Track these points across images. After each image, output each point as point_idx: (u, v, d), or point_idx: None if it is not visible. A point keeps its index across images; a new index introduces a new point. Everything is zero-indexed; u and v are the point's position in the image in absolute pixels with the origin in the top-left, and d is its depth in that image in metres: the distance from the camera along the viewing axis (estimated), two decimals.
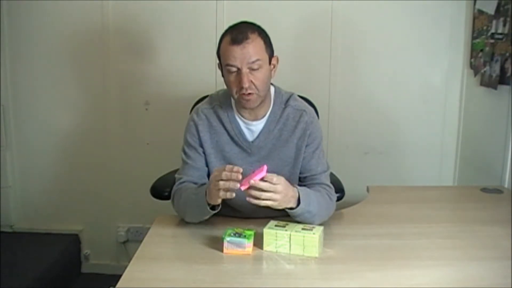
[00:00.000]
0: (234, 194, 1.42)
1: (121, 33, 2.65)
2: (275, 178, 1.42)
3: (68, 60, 2.70)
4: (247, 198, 1.43)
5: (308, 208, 1.51)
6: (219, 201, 1.49)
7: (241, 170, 1.41)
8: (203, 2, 2.60)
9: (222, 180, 1.42)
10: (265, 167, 1.41)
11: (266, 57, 1.58)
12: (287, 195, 1.46)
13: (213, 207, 1.53)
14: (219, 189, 1.43)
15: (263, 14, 2.46)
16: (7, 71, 2.72)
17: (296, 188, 1.51)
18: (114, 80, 2.70)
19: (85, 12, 2.63)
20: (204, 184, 1.63)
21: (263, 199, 1.42)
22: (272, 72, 1.64)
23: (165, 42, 2.66)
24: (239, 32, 1.55)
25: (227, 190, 1.42)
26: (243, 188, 1.40)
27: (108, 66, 2.68)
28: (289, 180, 1.59)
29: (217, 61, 1.65)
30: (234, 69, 1.55)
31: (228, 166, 1.43)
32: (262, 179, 1.41)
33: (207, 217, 1.59)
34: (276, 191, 1.42)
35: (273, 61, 1.63)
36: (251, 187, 1.40)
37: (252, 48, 1.53)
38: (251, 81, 1.55)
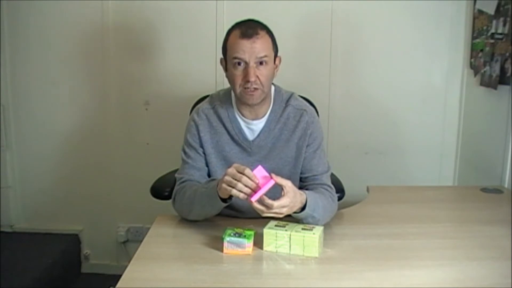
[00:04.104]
0: (245, 196, 1.41)
1: (121, 33, 2.65)
2: (275, 203, 1.39)
3: (68, 60, 2.70)
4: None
5: (313, 213, 1.51)
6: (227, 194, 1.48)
7: (255, 183, 1.40)
8: (203, 2, 2.60)
9: (236, 180, 1.40)
10: (272, 181, 1.40)
11: (272, 54, 1.60)
12: (295, 206, 1.45)
13: (223, 200, 1.52)
14: (231, 187, 1.41)
15: (263, 14, 2.43)
16: (7, 71, 2.72)
17: (305, 193, 1.50)
18: (114, 80, 2.70)
19: (85, 12, 2.63)
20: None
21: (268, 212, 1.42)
22: (275, 71, 1.65)
23: (165, 42, 2.66)
24: (249, 27, 1.56)
25: (236, 188, 1.41)
26: (253, 199, 1.39)
27: (108, 66, 2.69)
28: (290, 180, 1.59)
29: (221, 56, 1.66)
30: (241, 62, 1.56)
31: (247, 170, 1.41)
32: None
33: (215, 211, 1.59)
34: (282, 212, 1.43)
35: (277, 61, 1.64)
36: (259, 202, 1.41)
37: (261, 44, 1.55)
38: (257, 76, 1.55)
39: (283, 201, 1.41)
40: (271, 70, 1.60)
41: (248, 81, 1.55)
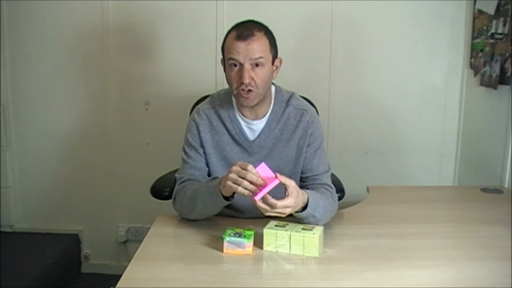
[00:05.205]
0: (251, 194, 1.41)
1: (121, 33, 2.65)
2: (278, 203, 1.40)
3: (68, 60, 2.70)
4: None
5: (314, 213, 1.51)
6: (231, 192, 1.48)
7: (259, 182, 1.40)
8: (203, 2, 2.60)
9: (241, 178, 1.40)
10: (277, 180, 1.40)
11: (269, 56, 1.59)
12: (297, 206, 1.46)
13: (226, 198, 1.52)
14: (236, 184, 1.41)
15: (263, 14, 2.44)
16: (7, 71, 2.72)
17: (306, 193, 1.50)
18: (114, 80, 2.71)
19: (85, 12, 2.63)
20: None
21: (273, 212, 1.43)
22: (274, 73, 1.65)
23: (165, 42, 2.66)
24: (246, 28, 1.56)
25: (242, 186, 1.41)
26: (257, 198, 1.39)
27: (108, 66, 2.69)
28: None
29: (221, 57, 1.66)
30: (236, 63, 1.56)
31: (250, 167, 1.41)
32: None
33: (217, 210, 1.59)
34: (285, 212, 1.43)
35: (276, 62, 1.64)
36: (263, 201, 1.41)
37: (257, 46, 1.54)
38: (252, 78, 1.55)
39: (287, 201, 1.41)
40: (268, 72, 1.59)
41: (242, 83, 1.55)
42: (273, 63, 1.62)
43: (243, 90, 1.56)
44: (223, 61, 1.64)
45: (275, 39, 1.63)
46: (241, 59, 1.54)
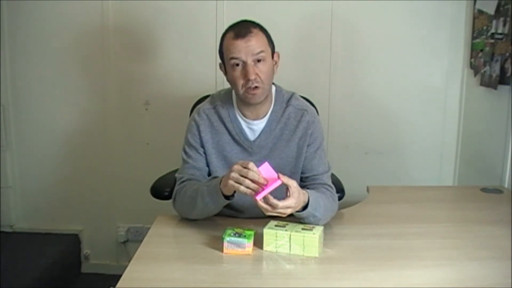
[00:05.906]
0: (253, 193, 1.41)
1: (121, 33, 2.65)
2: (280, 204, 1.40)
3: (68, 60, 2.70)
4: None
5: (314, 213, 1.51)
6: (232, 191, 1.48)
7: (261, 180, 1.40)
8: (203, 2, 2.60)
9: (243, 176, 1.40)
10: (279, 181, 1.40)
11: (269, 50, 1.61)
12: (298, 206, 1.46)
13: (227, 197, 1.52)
14: (238, 183, 1.41)
15: (263, 14, 2.45)
16: (7, 71, 2.72)
17: (307, 192, 1.51)
18: (114, 80, 2.71)
19: (85, 12, 2.63)
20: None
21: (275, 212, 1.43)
22: (275, 67, 1.65)
23: (165, 42, 2.66)
24: (242, 27, 1.57)
25: (243, 185, 1.41)
26: (258, 197, 1.39)
27: (108, 66, 2.69)
28: None
29: (219, 61, 1.66)
30: (239, 62, 1.56)
31: (252, 165, 1.40)
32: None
33: (217, 209, 1.59)
34: (286, 212, 1.43)
35: (275, 57, 1.65)
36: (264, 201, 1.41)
37: (256, 41, 1.56)
38: (257, 74, 1.56)
39: (289, 202, 1.41)
40: (270, 66, 1.60)
41: (249, 80, 1.55)
42: (272, 58, 1.63)
43: (250, 87, 1.56)
44: (223, 65, 1.64)
45: (270, 35, 1.64)
46: (243, 56, 1.55)
